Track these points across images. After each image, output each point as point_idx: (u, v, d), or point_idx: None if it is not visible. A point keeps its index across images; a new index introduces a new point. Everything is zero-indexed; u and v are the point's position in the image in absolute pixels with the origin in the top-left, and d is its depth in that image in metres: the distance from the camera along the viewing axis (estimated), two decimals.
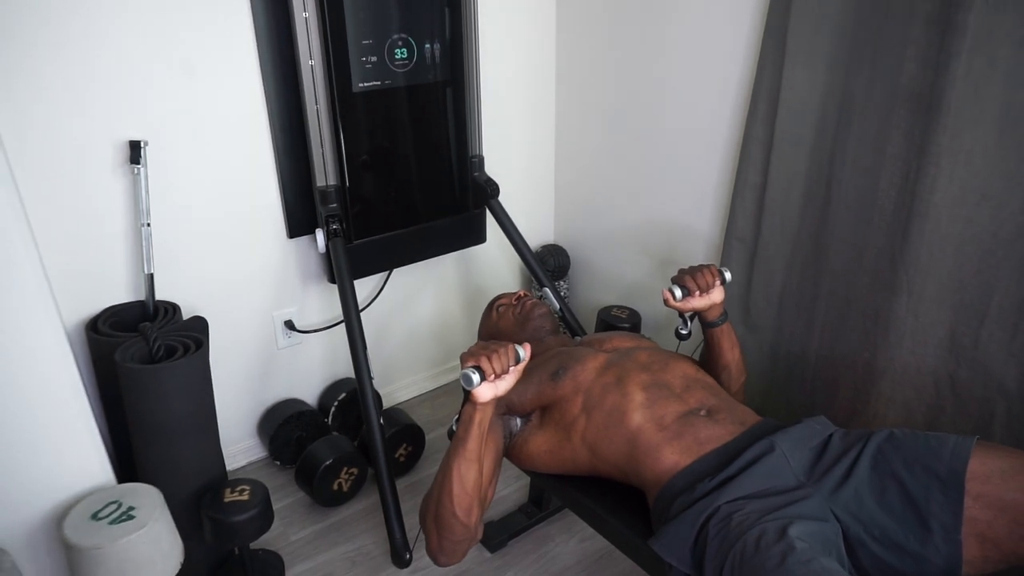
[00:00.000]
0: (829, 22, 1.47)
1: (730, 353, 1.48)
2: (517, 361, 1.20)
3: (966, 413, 1.45)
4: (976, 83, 1.27)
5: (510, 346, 1.19)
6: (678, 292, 1.40)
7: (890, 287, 1.48)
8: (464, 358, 1.16)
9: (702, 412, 1.28)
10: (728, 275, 1.44)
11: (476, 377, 1.13)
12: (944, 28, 1.28)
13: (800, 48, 1.53)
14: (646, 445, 1.24)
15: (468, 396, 1.17)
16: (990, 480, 1.01)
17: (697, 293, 1.40)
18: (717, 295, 1.42)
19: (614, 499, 1.34)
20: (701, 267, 1.42)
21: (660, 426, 1.25)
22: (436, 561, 1.28)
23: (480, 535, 1.29)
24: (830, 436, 1.20)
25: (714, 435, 1.23)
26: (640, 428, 1.26)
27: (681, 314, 1.48)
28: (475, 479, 1.20)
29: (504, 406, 1.40)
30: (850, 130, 1.50)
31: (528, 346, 1.22)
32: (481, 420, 1.19)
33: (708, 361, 1.51)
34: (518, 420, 1.41)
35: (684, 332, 1.51)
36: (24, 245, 1.23)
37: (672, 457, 1.22)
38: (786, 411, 1.79)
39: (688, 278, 1.40)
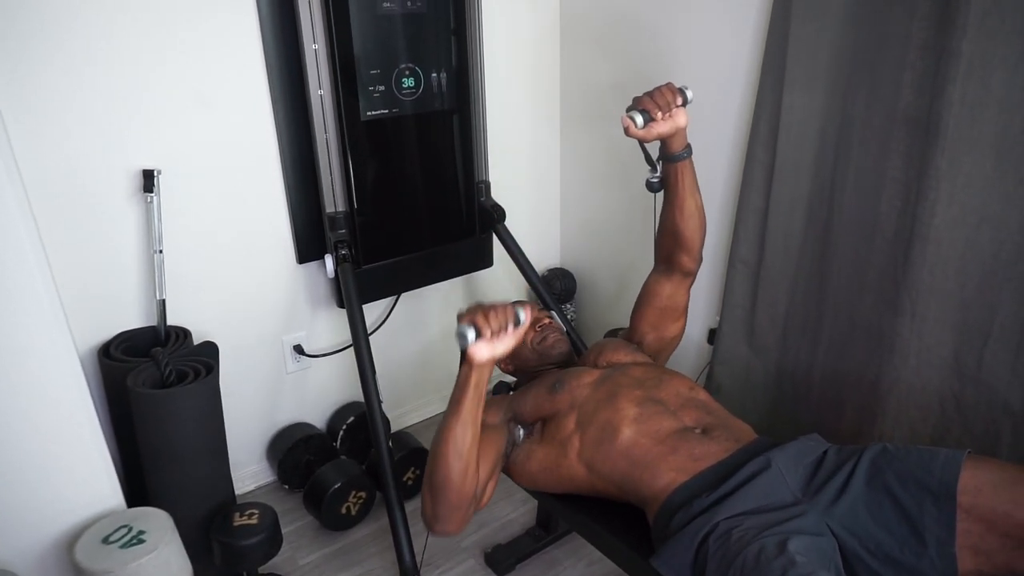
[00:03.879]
0: (827, 49, 1.50)
1: (692, 198, 1.38)
2: (517, 323, 1.15)
3: (972, 433, 1.45)
4: (972, 107, 1.29)
5: (508, 306, 1.14)
6: (639, 118, 1.25)
7: (893, 308, 1.49)
8: (460, 317, 1.12)
9: (697, 430, 1.28)
10: (690, 94, 1.30)
11: (471, 334, 1.09)
12: (939, 54, 1.31)
13: (799, 74, 1.56)
14: (642, 460, 1.25)
15: (465, 356, 1.13)
16: (981, 493, 1.02)
17: (659, 115, 1.27)
18: (681, 118, 1.30)
19: (619, 521, 1.34)
20: (658, 87, 1.29)
21: (655, 440, 1.25)
22: (431, 527, 1.23)
23: (471, 513, 1.23)
24: (825, 452, 1.20)
25: (709, 452, 1.23)
26: (634, 443, 1.26)
27: (647, 156, 1.36)
28: (470, 444, 1.17)
29: (511, 411, 1.40)
30: (850, 154, 1.52)
31: (528, 307, 1.16)
32: (478, 382, 1.15)
33: (670, 210, 1.41)
34: (521, 431, 1.40)
35: (655, 179, 1.37)
36: (40, 271, 1.26)
37: (669, 474, 1.22)
38: (792, 431, 1.76)
39: (647, 99, 1.27)
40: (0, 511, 1.32)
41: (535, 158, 2.38)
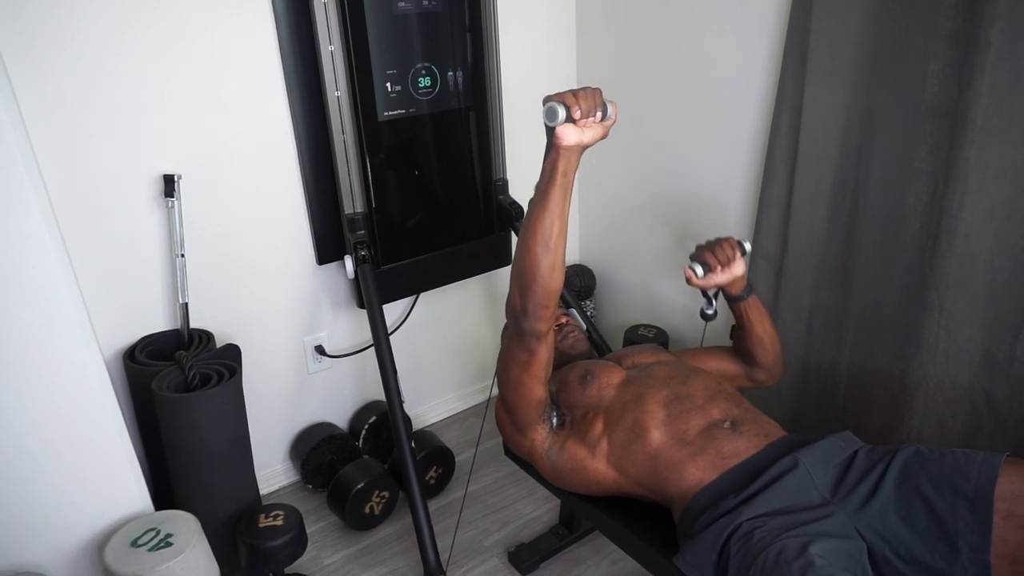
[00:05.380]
0: (850, 39, 1.47)
1: (760, 326, 1.44)
2: (604, 113, 1.13)
3: (1004, 431, 1.42)
4: (1001, 97, 1.26)
5: (598, 89, 1.12)
6: (699, 269, 1.37)
7: (920, 303, 1.47)
8: (548, 97, 1.10)
9: (726, 424, 1.26)
10: (748, 246, 1.41)
11: (562, 111, 1.07)
12: (967, 43, 1.28)
13: (821, 65, 1.53)
14: (669, 461, 1.24)
15: (551, 143, 1.12)
16: (1020, 499, 0.99)
17: (718, 268, 1.37)
18: (739, 268, 1.38)
19: (642, 520, 1.34)
20: (720, 240, 1.39)
21: (682, 442, 1.24)
22: (519, 325, 1.23)
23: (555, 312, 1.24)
24: (855, 452, 1.18)
25: (738, 448, 1.22)
26: (662, 445, 1.25)
27: (705, 292, 1.45)
28: (557, 236, 1.15)
29: (554, 382, 1.40)
30: (874, 146, 1.49)
31: (615, 104, 1.15)
32: (565, 169, 1.13)
33: (740, 337, 1.48)
34: (555, 417, 1.39)
35: (710, 312, 1.47)
36: (64, 278, 1.28)
37: (696, 474, 1.21)
38: (818, 427, 1.77)
39: (708, 253, 1.37)
40: (31, 514, 1.34)
41: None
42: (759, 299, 1.44)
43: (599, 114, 1.13)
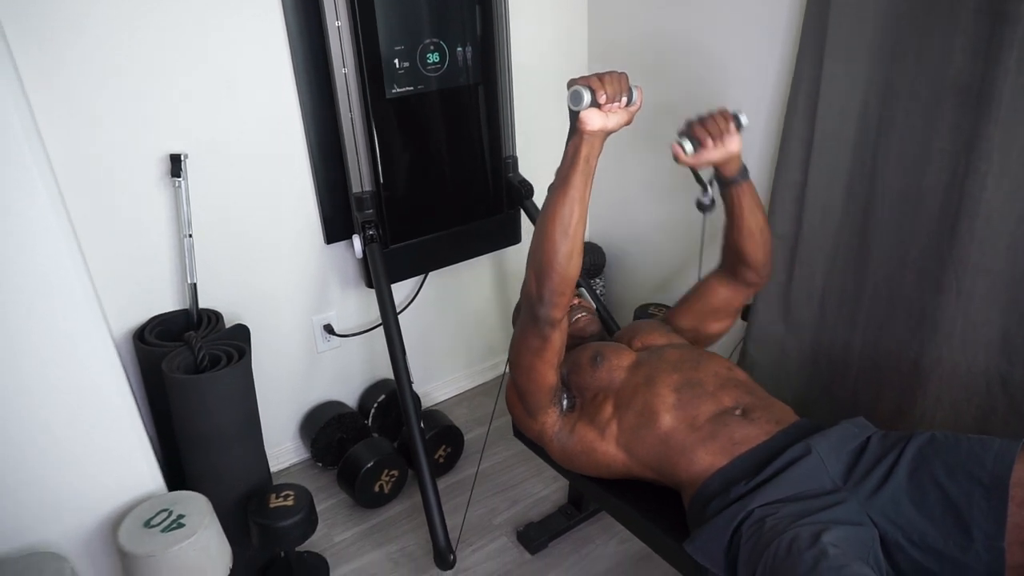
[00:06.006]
0: (871, 12, 1.42)
1: (752, 216, 1.33)
2: (630, 98, 1.10)
3: (1018, 414, 1.40)
4: None
5: (624, 74, 1.10)
6: (688, 145, 1.24)
7: (937, 286, 1.44)
8: (572, 80, 1.08)
9: (737, 411, 1.25)
10: (744, 119, 1.25)
11: (587, 96, 1.05)
12: (995, 18, 1.23)
13: (841, 40, 1.48)
14: (679, 445, 1.23)
15: (574, 128, 1.10)
16: None
17: (710, 143, 1.24)
18: (733, 144, 1.26)
19: (651, 503, 1.33)
20: (710, 113, 1.26)
21: (692, 427, 1.23)
22: (535, 310, 1.21)
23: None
24: (868, 439, 1.17)
25: (749, 435, 1.21)
26: (672, 429, 1.24)
27: (698, 178, 1.34)
28: (576, 222, 1.13)
29: (565, 365, 1.38)
30: (894, 125, 1.45)
31: (641, 90, 1.12)
32: (588, 155, 1.11)
33: (731, 229, 1.37)
34: (565, 400, 1.38)
35: (706, 200, 1.35)
36: (72, 259, 1.27)
37: (707, 459, 1.20)
38: (829, 411, 1.75)
39: (697, 126, 1.24)
40: (45, 496, 1.35)
41: (563, 132, 2.31)
42: (754, 185, 1.32)
43: (624, 99, 1.10)
